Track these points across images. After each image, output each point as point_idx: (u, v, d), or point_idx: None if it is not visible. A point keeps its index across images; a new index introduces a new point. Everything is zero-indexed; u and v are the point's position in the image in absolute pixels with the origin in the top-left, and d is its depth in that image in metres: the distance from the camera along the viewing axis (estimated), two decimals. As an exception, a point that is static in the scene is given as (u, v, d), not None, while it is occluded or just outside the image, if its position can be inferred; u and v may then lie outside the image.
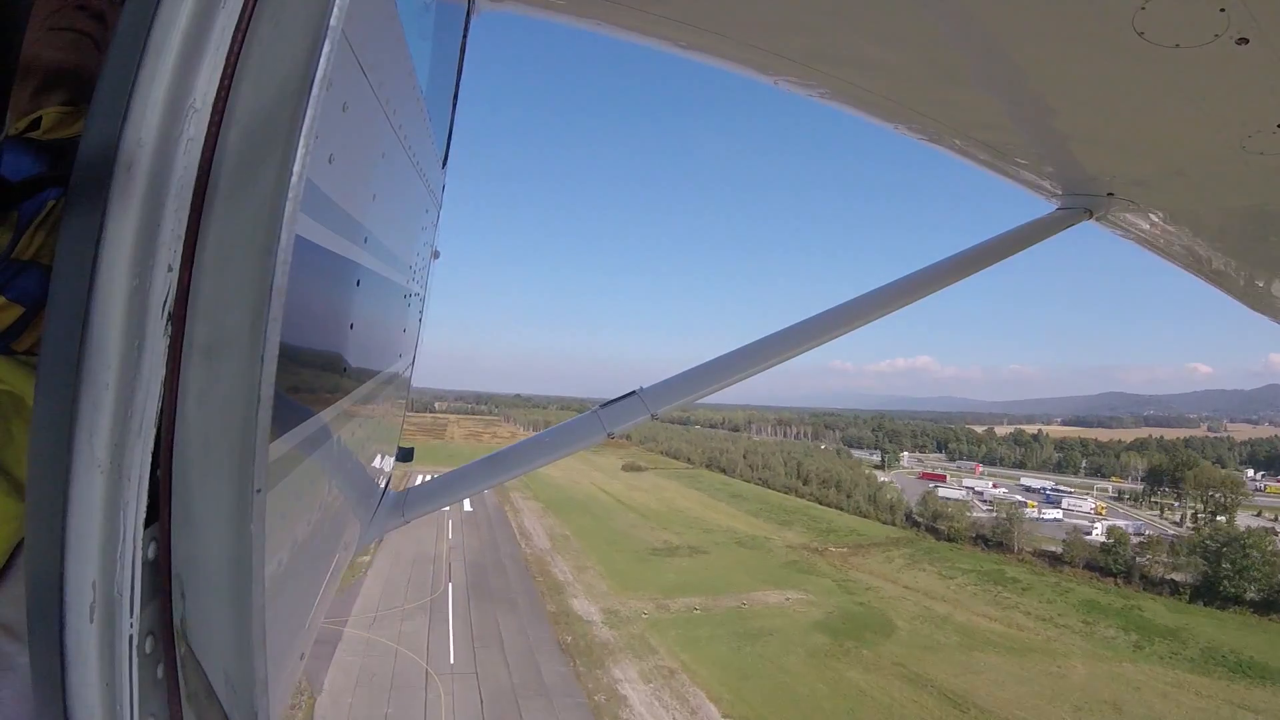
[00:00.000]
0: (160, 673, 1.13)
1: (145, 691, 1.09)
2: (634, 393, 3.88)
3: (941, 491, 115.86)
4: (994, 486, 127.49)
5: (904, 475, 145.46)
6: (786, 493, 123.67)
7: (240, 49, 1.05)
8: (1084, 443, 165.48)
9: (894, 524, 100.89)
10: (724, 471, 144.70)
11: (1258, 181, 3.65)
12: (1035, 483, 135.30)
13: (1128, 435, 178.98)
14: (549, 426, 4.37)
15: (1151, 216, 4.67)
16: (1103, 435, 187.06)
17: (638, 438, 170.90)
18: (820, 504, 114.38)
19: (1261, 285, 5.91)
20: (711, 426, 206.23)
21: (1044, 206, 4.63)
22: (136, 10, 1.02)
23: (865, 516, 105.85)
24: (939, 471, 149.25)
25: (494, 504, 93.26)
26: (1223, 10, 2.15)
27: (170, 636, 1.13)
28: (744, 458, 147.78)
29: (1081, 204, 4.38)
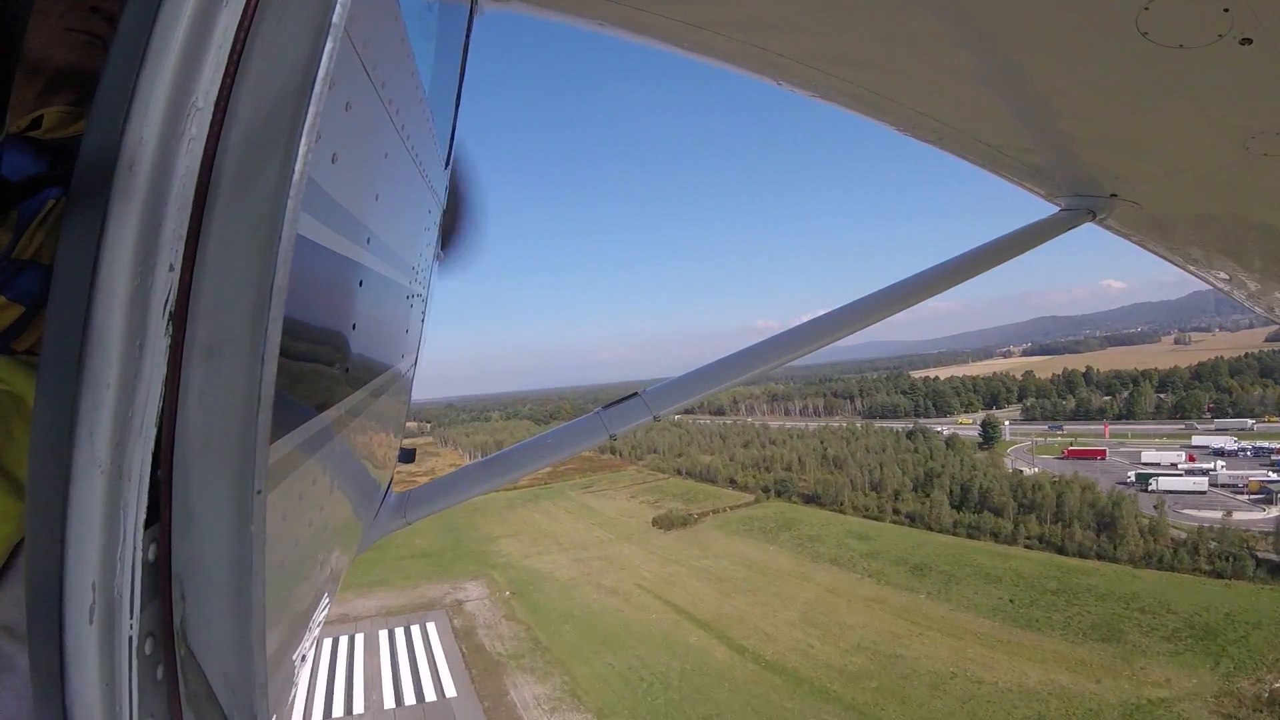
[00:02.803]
0: (160, 674, 1.13)
1: (145, 693, 1.08)
2: (636, 394, 3.88)
3: (1160, 482, 75.61)
4: (1189, 459, 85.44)
5: (1034, 455, 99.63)
6: (971, 537, 69.82)
7: (243, 48, 1.04)
8: (1138, 375, 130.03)
9: (1244, 577, 56.28)
10: (817, 502, 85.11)
11: (1262, 182, 3.65)
12: (1218, 441, 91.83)
13: (1099, 360, 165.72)
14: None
15: (1155, 218, 4.65)
16: (1076, 361, 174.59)
17: (631, 451, 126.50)
18: (1061, 553, 64.96)
19: (1265, 286, 5.90)
20: (688, 412, 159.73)
21: (1046, 208, 4.62)
22: (139, 8, 1.01)
23: (1171, 568, 58.69)
24: (1085, 445, 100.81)
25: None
26: (1226, 10, 2.15)
27: (170, 638, 1.13)
28: (833, 471, 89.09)
29: (1084, 205, 4.37)
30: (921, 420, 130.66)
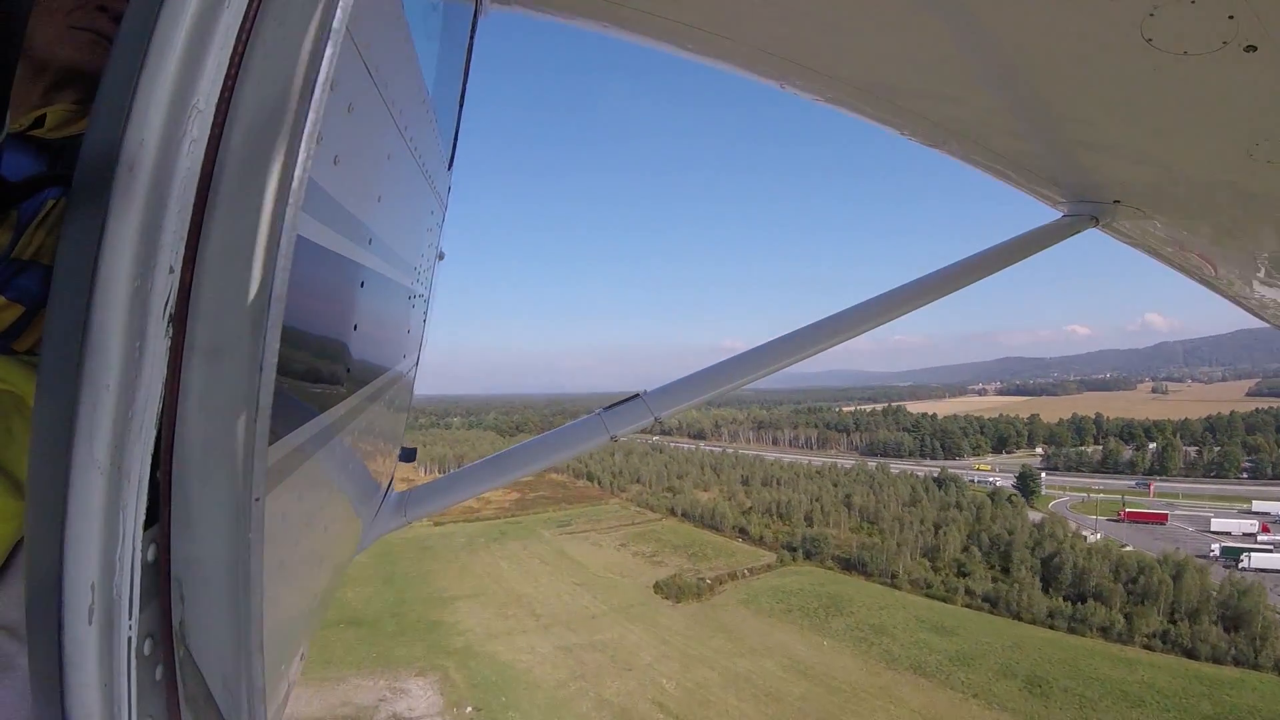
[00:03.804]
0: (159, 675, 1.12)
1: (143, 694, 1.08)
2: (637, 395, 3.87)
3: (1253, 559, 63.81)
4: (1263, 529, 73.94)
5: (1080, 514, 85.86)
6: (1073, 631, 54.59)
7: (245, 49, 1.04)
8: (1149, 424, 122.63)
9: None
10: (859, 570, 63.94)
11: (1266, 189, 3.64)
12: (1276, 509, 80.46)
13: (1078, 404, 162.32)
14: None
15: (1158, 224, 4.64)
16: (1055, 404, 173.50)
17: (613, 481, 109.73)
18: (1191, 656, 50.90)
19: (1268, 294, 5.88)
20: (664, 433, 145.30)
21: (1049, 213, 4.61)
22: (140, 9, 1.01)
23: None
24: (1143, 508, 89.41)
25: None
26: (1231, 17, 2.14)
27: (169, 639, 1.13)
28: (865, 526, 69.75)
29: (1087, 211, 4.36)
30: (929, 461, 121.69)
